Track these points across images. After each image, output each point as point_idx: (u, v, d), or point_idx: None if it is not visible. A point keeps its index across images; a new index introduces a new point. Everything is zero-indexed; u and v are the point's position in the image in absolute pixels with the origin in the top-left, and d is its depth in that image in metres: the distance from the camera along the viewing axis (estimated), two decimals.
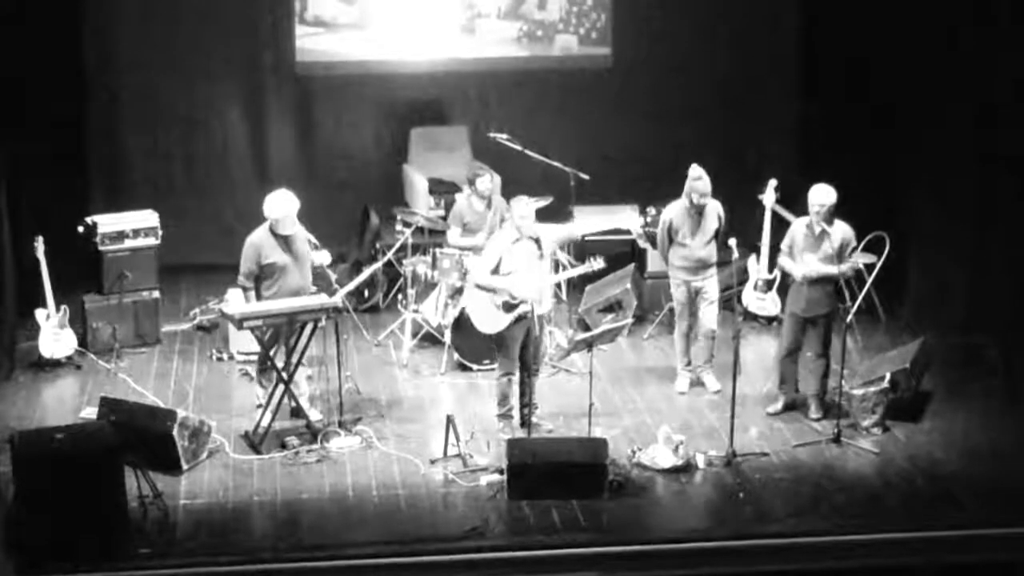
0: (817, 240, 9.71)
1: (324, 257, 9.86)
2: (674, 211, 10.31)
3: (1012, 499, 8.88)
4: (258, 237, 9.57)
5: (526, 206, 9.47)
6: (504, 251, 9.47)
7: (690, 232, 10.24)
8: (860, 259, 10.02)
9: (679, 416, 10.03)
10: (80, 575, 8.00)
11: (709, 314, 10.37)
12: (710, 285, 10.34)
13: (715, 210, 10.28)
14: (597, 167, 12.14)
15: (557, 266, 10.80)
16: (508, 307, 9.45)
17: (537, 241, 9.51)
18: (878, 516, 8.74)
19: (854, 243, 9.76)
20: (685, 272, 10.33)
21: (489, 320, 9.57)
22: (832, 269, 9.68)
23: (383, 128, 13.78)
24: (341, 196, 13.06)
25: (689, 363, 10.58)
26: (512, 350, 9.58)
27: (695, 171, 10.19)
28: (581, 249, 12.06)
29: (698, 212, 10.21)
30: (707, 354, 10.51)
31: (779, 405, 10.12)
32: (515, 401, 9.73)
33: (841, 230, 9.72)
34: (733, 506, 8.87)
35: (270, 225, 9.55)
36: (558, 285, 11.17)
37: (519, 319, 9.47)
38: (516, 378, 9.67)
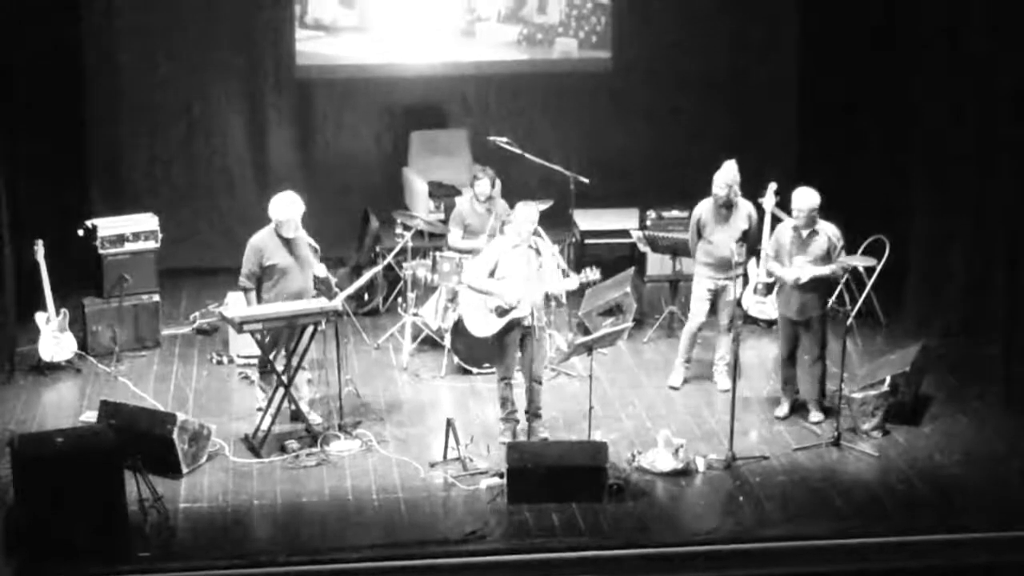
0: (804, 243, 9.72)
1: (320, 270, 9.81)
2: (704, 207, 10.32)
3: (1011, 502, 8.88)
4: (261, 239, 9.57)
5: (530, 210, 9.42)
6: (502, 255, 9.45)
7: (715, 229, 10.25)
8: (855, 261, 10.00)
9: (679, 419, 10.03)
10: None
11: (726, 312, 10.38)
12: (732, 287, 10.34)
13: (746, 211, 10.27)
14: (597, 170, 12.13)
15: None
16: (501, 312, 9.42)
17: (537, 251, 9.47)
18: (878, 519, 8.74)
19: (841, 242, 9.76)
20: (708, 268, 10.33)
21: (480, 323, 9.56)
22: (825, 270, 9.69)
23: (383, 131, 13.79)
24: (341, 199, 13.06)
25: (689, 360, 10.59)
26: (508, 355, 9.56)
27: (724, 164, 10.22)
28: (581, 256, 12.09)
29: (726, 208, 10.20)
30: (720, 351, 10.53)
31: (786, 409, 10.11)
32: (518, 405, 9.69)
33: (827, 230, 9.73)
34: (733, 510, 8.86)
35: (274, 227, 9.55)
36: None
37: (513, 326, 9.44)
38: (514, 382, 9.64)
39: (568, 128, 13.62)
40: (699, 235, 10.35)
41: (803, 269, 9.68)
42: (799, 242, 9.72)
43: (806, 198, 9.67)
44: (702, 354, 10.84)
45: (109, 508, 8.26)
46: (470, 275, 9.58)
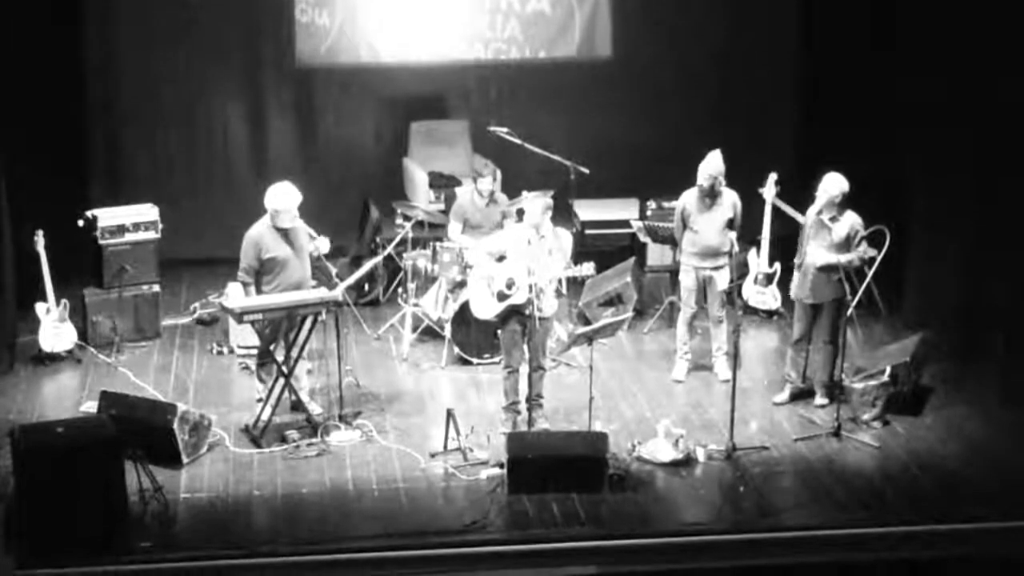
0: (821, 228, 9.73)
1: (324, 244, 9.83)
2: (689, 196, 10.37)
3: (1012, 493, 8.88)
4: (258, 232, 9.55)
5: (541, 202, 9.47)
6: (511, 242, 9.52)
7: (700, 218, 10.28)
8: (873, 251, 10.01)
9: (679, 410, 10.04)
10: (81, 569, 8.01)
11: (716, 302, 10.41)
12: (720, 275, 10.35)
13: (731, 199, 10.33)
14: (597, 160, 12.12)
15: None
16: (501, 296, 9.45)
17: (543, 237, 9.48)
18: (878, 509, 8.75)
19: (862, 232, 9.74)
20: (695, 258, 10.38)
21: (482, 305, 9.59)
22: (833, 258, 9.69)
23: (383, 122, 13.76)
24: (341, 190, 13.06)
25: (688, 352, 10.60)
26: (509, 345, 9.58)
27: (708, 155, 10.24)
28: (580, 246, 12.07)
29: (710, 198, 10.24)
30: (717, 341, 10.55)
31: (785, 395, 10.14)
32: (521, 396, 9.69)
33: (850, 219, 9.72)
34: (733, 500, 8.87)
35: (270, 218, 9.54)
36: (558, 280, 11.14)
37: (512, 312, 9.45)
38: (518, 373, 9.65)
39: (568, 118, 13.58)
40: (684, 225, 10.39)
41: (817, 254, 9.69)
42: (817, 227, 9.72)
43: (829, 183, 9.70)
44: (702, 344, 10.86)
45: (110, 498, 8.27)
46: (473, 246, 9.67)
